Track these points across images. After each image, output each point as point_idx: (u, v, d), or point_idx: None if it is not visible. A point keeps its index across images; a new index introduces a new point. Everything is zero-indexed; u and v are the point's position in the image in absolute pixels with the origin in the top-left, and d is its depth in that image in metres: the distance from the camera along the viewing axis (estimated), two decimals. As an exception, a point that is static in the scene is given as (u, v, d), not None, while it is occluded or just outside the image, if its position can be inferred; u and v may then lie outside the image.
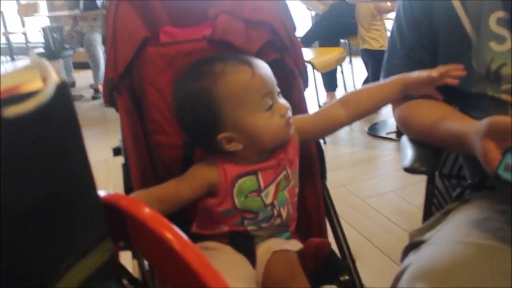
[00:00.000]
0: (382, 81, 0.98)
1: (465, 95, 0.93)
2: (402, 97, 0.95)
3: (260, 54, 1.06)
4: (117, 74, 0.99)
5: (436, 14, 0.94)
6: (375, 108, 0.99)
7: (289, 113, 0.91)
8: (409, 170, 0.94)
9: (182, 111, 0.93)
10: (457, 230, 0.80)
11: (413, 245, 0.83)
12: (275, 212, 0.94)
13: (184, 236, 0.47)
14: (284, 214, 0.95)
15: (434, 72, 0.88)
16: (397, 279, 0.75)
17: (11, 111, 0.34)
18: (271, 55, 1.09)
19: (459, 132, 0.84)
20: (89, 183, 0.41)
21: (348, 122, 0.98)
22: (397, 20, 1.04)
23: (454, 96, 0.97)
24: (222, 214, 0.92)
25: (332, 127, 1.00)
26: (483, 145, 0.72)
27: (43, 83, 0.39)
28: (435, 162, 0.97)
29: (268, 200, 0.92)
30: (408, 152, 0.98)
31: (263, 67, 0.91)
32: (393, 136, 3.13)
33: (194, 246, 0.46)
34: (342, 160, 2.83)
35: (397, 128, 3.13)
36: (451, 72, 0.88)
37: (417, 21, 0.98)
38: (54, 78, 0.39)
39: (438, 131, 0.92)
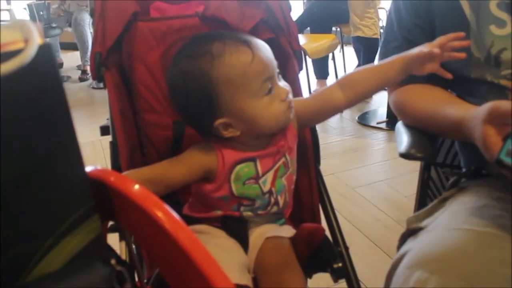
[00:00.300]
0: (381, 61, 0.93)
1: (463, 81, 0.91)
2: (404, 78, 0.90)
3: (253, 33, 1.02)
4: (105, 48, 0.95)
5: None
6: (375, 90, 0.93)
7: (290, 96, 0.86)
8: (405, 156, 0.91)
9: (176, 92, 0.87)
10: (455, 217, 0.78)
11: (411, 232, 0.82)
12: (272, 200, 0.90)
13: (176, 215, 0.44)
14: (281, 202, 0.92)
15: (435, 47, 0.83)
16: (395, 266, 0.73)
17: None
18: (264, 34, 1.05)
19: (458, 117, 0.82)
20: (74, 154, 0.38)
21: (347, 105, 0.93)
22: (395, 2, 1.01)
23: (452, 82, 0.95)
24: (218, 200, 0.89)
25: (330, 111, 0.95)
26: (483, 130, 0.70)
27: (24, 43, 0.36)
28: (431, 149, 0.95)
29: (266, 188, 0.89)
30: (404, 138, 0.96)
31: (264, 49, 0.85)
32: (383, 125, 3.12)
33: (186, 226, 0.44)
34: (332, 149, 2.81)
35: (387, 117, 3.12)
36: (452, 43, 0.83)
37: (415, 3, 0.95)
38: (36, 39, 0.36)
39: (435, 116, 0.90)
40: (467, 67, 0.88)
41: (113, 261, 0.45)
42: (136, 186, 0.47)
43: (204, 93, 0.82)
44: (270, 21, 1.05)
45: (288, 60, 1.05)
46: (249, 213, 0.90)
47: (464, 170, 1.03)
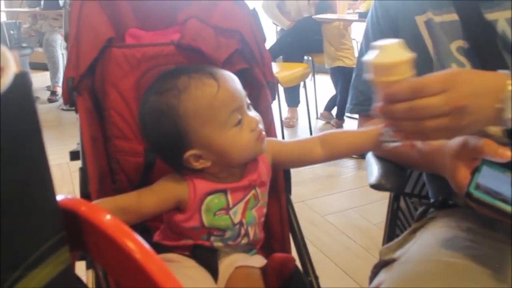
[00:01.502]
0: (360, 129, 0.96)
1: None
2: (377, 148, 0.92)
3: (228, 63, 1.04)
4: (78, 73, 0.94)
5: (402, 30, 0.95)
6: (351, 153, 0.97)
7: (260, 126, 0.87)
8: (375, 186, 0.93)
9: (147, 129, 0.88)
10: (427, 248, 0.80)
11: (384, 263, 0.82)
12: (243, 231, 0.90)
13: (146, 245, 0.44)
14: (251, 233, 0.92)
15: None
16: (369, 297, 0.74)
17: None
18: (239, 64, 1.07)
19: (428, 151, 0.84)
20: (47, 184, 0.37)
21: (324, 160, 0.95)
22: (366, 35, 1.04)
23: None
24: (189, 229, 0.88)
25: (307, 161, 0.97)
26: (453, 164, 0.72)
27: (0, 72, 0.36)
28: (401, 180, 0.97)
29: (237, 219, 0.89)
30: (374, 169, 0.98)
31: (231, 80, 0.86)
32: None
33: (156, 256, 0.43)
34: (302, 176, 2.83)
35: (357, 146, 3.16)
36: None
37: (385, 37, 0.98)
38: (12, 68, 0.36)
39: (406, 149, 0.92)
40: None
41: (82, 294, 0.44)
42: (108, 217, 0.46)
43: (173, 127, 0.83)
44: (245, 52, 1.07)
45: (261, 90, 1.06)
46: (220, 244, 0.90)
47: (432, 200, 1.05)
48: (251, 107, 0.89)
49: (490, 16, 0.83)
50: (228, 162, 0.87)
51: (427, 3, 0.91)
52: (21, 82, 0.36)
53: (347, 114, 3.75)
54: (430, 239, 0.83)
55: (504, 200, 0.65)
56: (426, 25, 0.90)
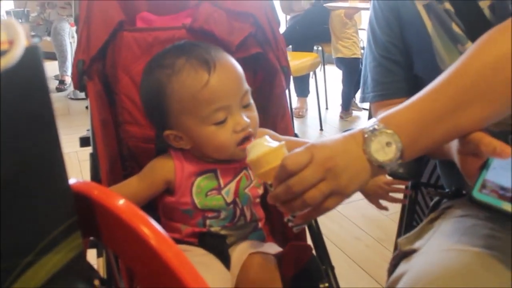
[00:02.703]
0: None
1: None
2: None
3: (241, 47, 1.02)
4: (88, 56, 0.92)
5: (403, 14, 0.93)
6: None
7: (250, 130, 0.84)
8: (391, 174, 0.91)
9: (141, 95, 0.92)
10: (447, 238, 0.78)
11: (403, 255, 0.80)
12: (238, 211, 0.89)
13: (162, 231, 0.42)
14: (247, 214, 0.90)
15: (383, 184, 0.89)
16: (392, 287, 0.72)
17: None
18: (252, 48, 1.05)
19: None
20: (58, 164, 0.35)
21: None
22: (370, 22, 1.02)
23: None
24: (183, 213, 0.88)
25: None
26: (459, 160, 0.70)
27: (9, 44, 0.34)
28: (419, 169, 0.95)
29: (229, 198, 0.88)
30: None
31: (227, 77, 0.83)
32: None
33: (172, 242, 0.42)
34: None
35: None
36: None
37: (388, 21, 0.96)
38: (23, 41, 0.34)
39: None
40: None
41: (96, 282, 0.42)
42: (121, 201, 0.44)
43: (157, 102, 0.85)
44: (259, 36, 1.04)
45: (276, 75, 1.04)
46: (216, 227, 0.88)
47: (446, 190, 1.02)
48: (252, 107, 0.87)
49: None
50: (205, 154, 0.87)
51: None
52: (32, 55, 0.34)
53: (357, 104, 3.72)
54: (450, 229, 0.81)
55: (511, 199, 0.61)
56: (426, 8, 0.88)
